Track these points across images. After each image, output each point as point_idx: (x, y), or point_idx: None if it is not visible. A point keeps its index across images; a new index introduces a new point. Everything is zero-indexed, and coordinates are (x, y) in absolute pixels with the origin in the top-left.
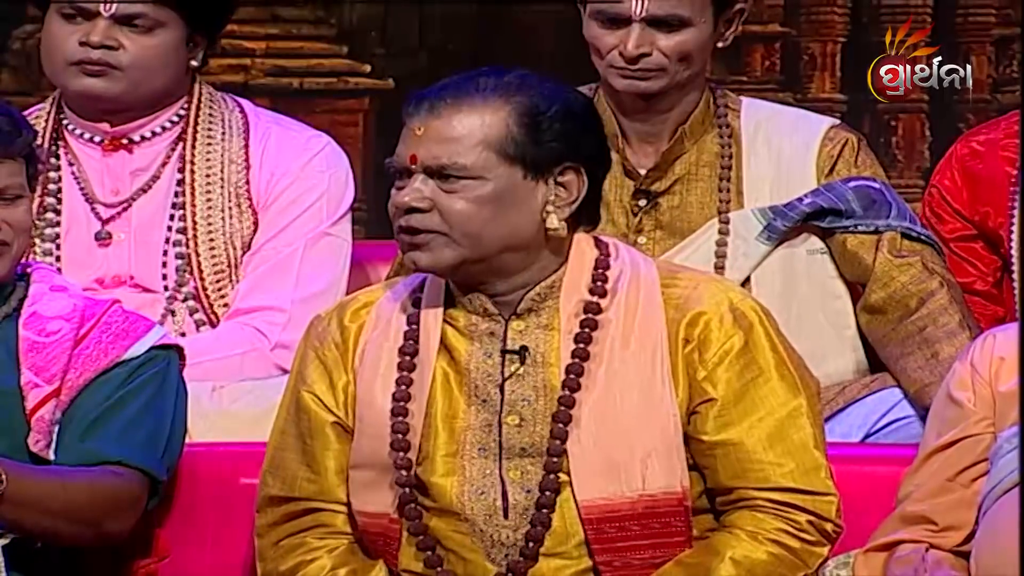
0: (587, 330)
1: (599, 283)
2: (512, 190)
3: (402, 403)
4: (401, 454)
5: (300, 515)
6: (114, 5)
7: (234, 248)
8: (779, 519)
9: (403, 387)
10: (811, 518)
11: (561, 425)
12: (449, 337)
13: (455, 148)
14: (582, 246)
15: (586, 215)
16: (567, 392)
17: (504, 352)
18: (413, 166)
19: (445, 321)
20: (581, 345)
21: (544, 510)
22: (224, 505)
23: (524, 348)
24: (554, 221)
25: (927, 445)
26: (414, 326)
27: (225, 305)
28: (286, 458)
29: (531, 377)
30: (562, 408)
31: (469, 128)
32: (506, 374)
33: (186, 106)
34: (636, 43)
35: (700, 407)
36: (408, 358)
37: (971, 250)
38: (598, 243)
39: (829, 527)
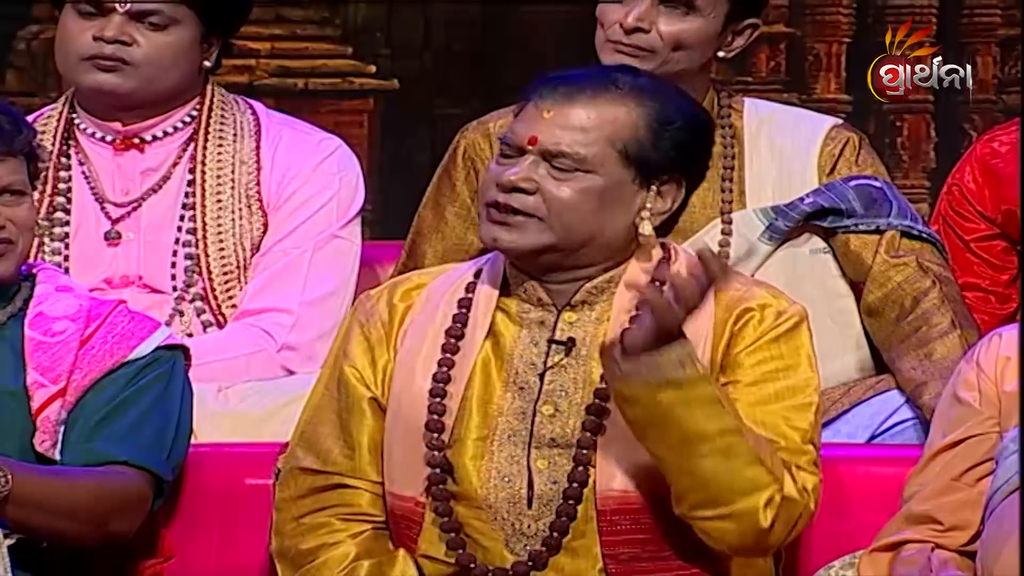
0: None
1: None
2: (618, 190)
3: (442, 384)
4: (435, 435)
5: (327, 489)
6: (129, 1)
7: (243, 249)
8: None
9: (445, 369)
10: (796, 473)
11: (594, 418)
12: (498, 323)
13: (580, 137)
14: (648, 247)
15: (663, 224)
16: (604, 385)
17: (551, 342)
18: (531, 147)
19: (497, 307)
20: None
21: (571, 501)
22: (230, 506)
23: (571, 339)
24: (647, 228)
25: (932, 445)
26: (464, 310)
27: (233, 306)
28: (321, 432)
29: (573, 369)
30: (597, 401)
31: (598, 121)
32: (548, 364)
33: (198, 107)
34: (637, 16)
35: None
36: (454, 341)
37: (990, 249)
38: (662, 246)
39: (804, 494)
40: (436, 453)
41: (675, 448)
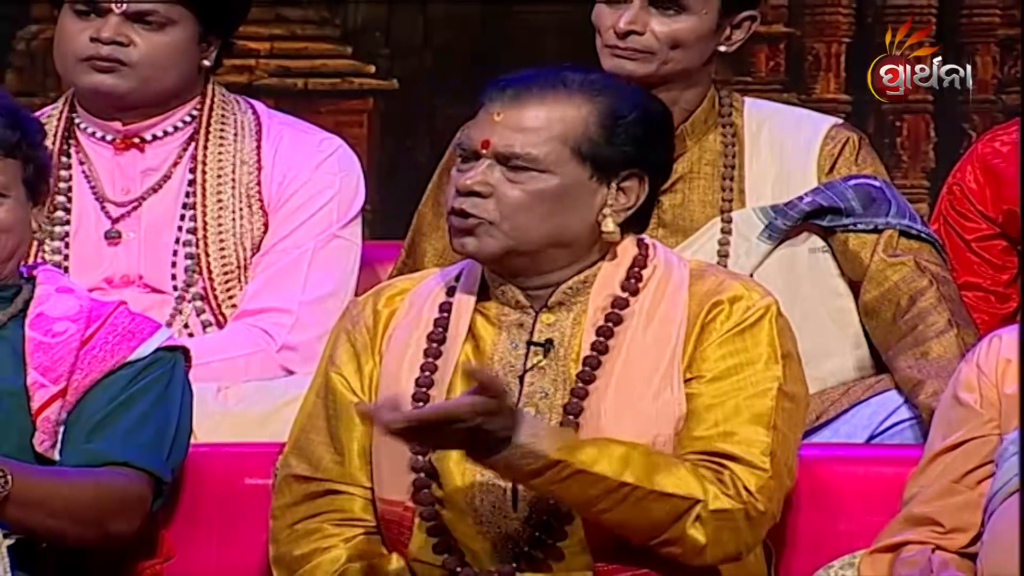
0: (609, 324)
1: (632, 280)
2: (575, 188)
3: (424, 389)
4: None
5: (319, 496)
6: (125, 2)
7: (244, 249)
8: (703, 465)
9: (427, 373)
10: (733, 476)
11: (572, 417)
12: (478, 326)
13: (530, 138)
14: (624, 244)
15: (636, 221)
16: (580, 384)
17: (529, 344)
18: (484, 151)
19: (476, 310)
20: (601, 338)
21: (551, 501)
22: (229, 506)
23: (549, 341)
24: (610, 225)
25: (933, 446)
26: (445, 314)
27: (233, 306)
28: (312, 440)
29: (552, 370)
30: (574, 400)
31: (548, 121)
32: (528, 366)
33: (199, 106)
34: (628, 19)
35: (684, 385)
36: (435, 345)
37: (990, 249)
38: (639, 243)
39: (745, 495)
40: (420, 458)
41: (578, 509)
